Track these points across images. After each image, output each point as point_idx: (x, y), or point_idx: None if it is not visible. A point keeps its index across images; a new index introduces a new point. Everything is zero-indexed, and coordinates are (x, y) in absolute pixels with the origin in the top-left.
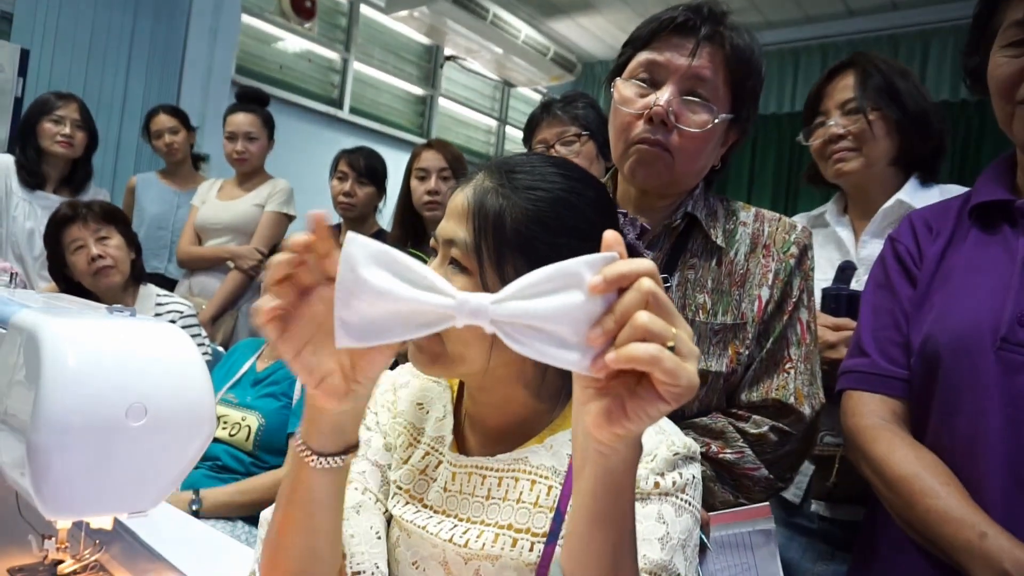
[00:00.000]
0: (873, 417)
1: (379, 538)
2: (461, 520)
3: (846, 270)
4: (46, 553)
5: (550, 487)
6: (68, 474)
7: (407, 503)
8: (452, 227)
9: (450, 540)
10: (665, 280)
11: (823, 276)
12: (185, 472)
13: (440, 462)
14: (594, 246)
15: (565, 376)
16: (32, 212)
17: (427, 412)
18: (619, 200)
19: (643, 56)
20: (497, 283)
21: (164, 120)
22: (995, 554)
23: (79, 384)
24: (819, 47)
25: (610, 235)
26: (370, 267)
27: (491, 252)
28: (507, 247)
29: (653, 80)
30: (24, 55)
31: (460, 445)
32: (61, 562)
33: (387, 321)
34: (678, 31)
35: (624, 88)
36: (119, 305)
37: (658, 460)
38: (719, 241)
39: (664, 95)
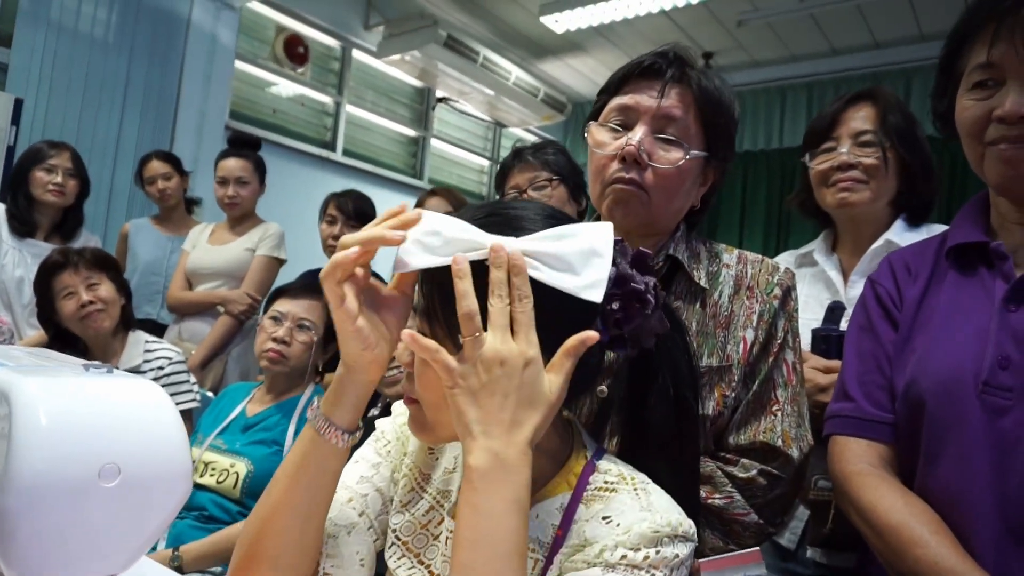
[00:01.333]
0: (860, 463)
1: (362, 566)
2: None
3: (835, 310)
4: None
5: (536, 561)
6: (38, 537)
7: (403, 556)
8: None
9: None
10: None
11: (812, 316)
12: (159, 532)
13: (443, 520)
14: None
15: (562, 437)
16: (22, 260)
17: (437, 459)
18: None
19: (615, 101)
20: (450, 343)
21: (157, 166)
22: None
23: (50, 445)
24: (804, 85)
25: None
26: (435, 217)
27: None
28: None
29: (625, 123)
30: (17, 104)
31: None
32: None
33: (439, 250)
34: (646, 75)
35: (598, 132)
36: (97, 362)
37: (632, 534)
38: (702, 283)
39: (636, 135)
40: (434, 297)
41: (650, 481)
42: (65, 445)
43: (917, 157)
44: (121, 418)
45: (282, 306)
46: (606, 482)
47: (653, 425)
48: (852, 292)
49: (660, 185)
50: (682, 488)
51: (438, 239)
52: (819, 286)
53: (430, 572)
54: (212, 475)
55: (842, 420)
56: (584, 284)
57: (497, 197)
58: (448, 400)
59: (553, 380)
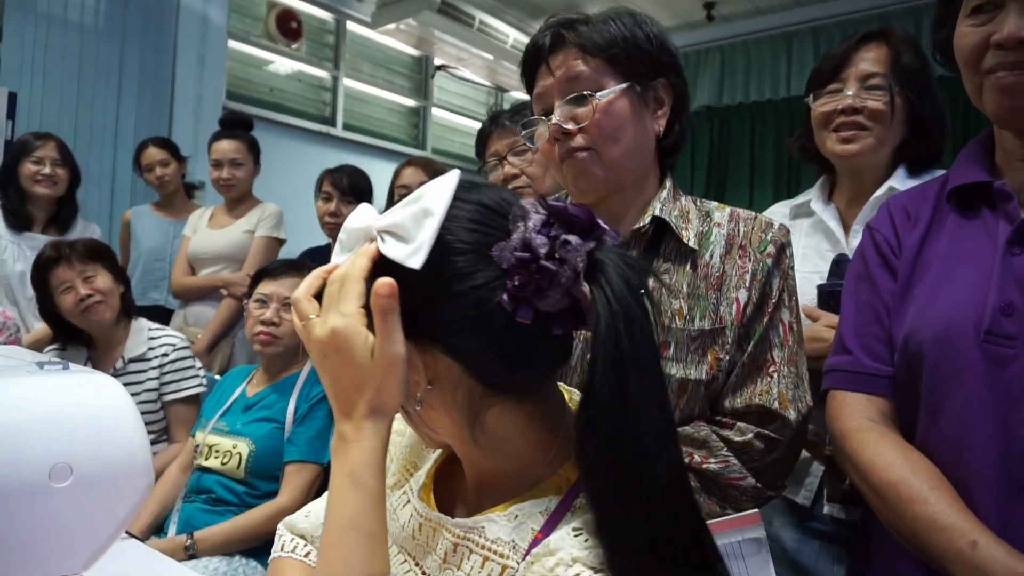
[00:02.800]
0: (859, 419)
1: None
2: (425, 574)
3: (840, 263)
4: None
5: (504, 567)
6: None
7: None
8: None
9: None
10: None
11: (813, 268)
12: (122, 528)
13: (408, 502)
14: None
15: (550, 432)
16: (21, 254)
17: (429, 452)
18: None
19: (534, 97)
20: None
21: (154, 153)
22: (987, 565)
23: None
24: (810, 30)
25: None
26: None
27: None
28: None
29: (546, 110)
30: (12, 98)
31: (443, 489)
32: None
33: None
34: (536, 61)
35: (537, 129)
36: (54, 358)
37: (595, 553)
38: (691, 244)
39: (555, 115)
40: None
41: None
42: (12, 447)
43: (928, 104)
44: (74, 417)
45: (266, 288)
46: None
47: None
48: (855, 242)
49: (596, 136)
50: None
51: (346, 234)
52: (818, 236)
53: (404, 552)
54: (216, 457)
55: (840, 374)
56: (410, 251)
57: (479, 166)
58: None
59: (373, 341)
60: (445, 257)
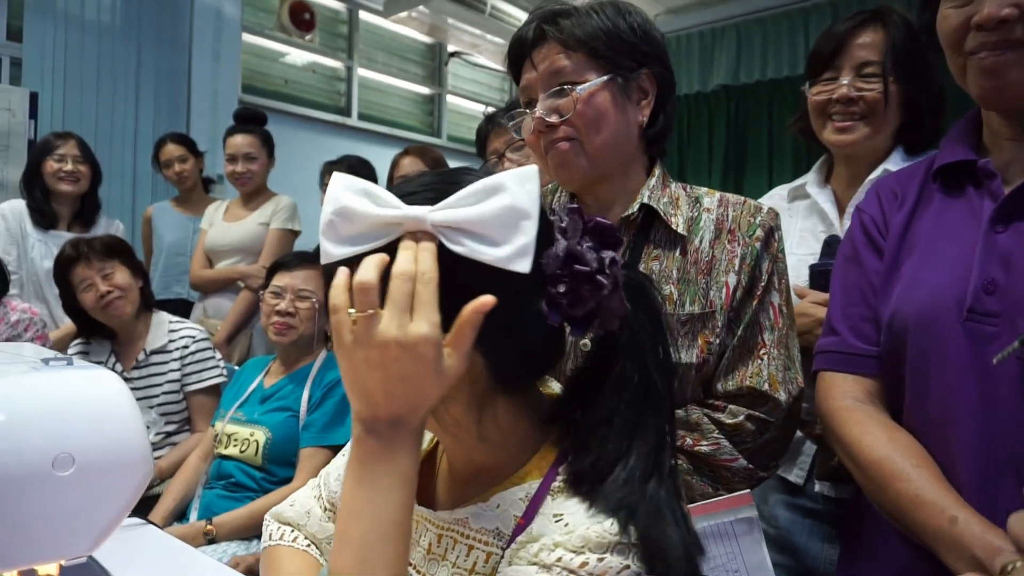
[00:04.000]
0: (846, 398)
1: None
2: (410, 566)
3: (832, 244)
4: None
5: (488, 554)
6: (2, 527)
7: None
8: None
9: None
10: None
11: (808, 251)
12: (124, 514)
13: None
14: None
15: (532, 424)
16: (48, 252)
17: None
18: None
19: (519, 88)
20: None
21: (172, 149)
22: (966, 540)
23: (3, 439)
24: (829, 3)
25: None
26: (347, 193)
27: None
28: None
29: (530, 102)
30: (34, 98)
31: (427, 483)
32: None
33: (356, 238)
34: (520, 54)
35: (524, 123)
36: (59, 355)
37: (574, 536)
38: (680, 230)
39: (539, 108)
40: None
41: None
42: (17, 438)
43: (924, 91)
44: (75, 409)
45: (281, 280)
46: None
47: (600, 410)
48: (848, 225)
49: (578, 127)
50: (634, 479)
51: (349, 223)
52: (813, 219)
53: None
54: (235, 445)
55: (828, 355)
56: (508, 254)
57: (481, 163)
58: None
59: (451, 355)
60: None
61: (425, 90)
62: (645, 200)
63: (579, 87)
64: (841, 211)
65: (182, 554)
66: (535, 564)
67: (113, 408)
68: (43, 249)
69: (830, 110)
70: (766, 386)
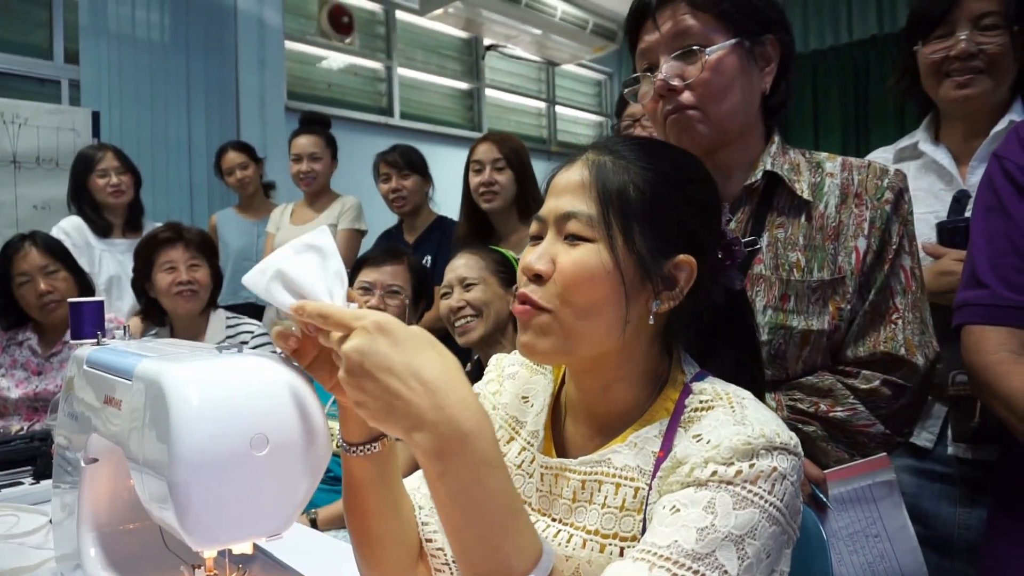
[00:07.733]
0: (1001, 351)
1: None
2: (554, 521)
3: (960, 200)
4: None
5: (636, 489)
6: (207, 506)
7: None
8: (568, 202)
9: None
10: (753, 242)
11: (928, 209)
12: (311, 491)
13: (534, 458)
14: (705, 215)
15: (655, 365)
16: (114, 259)
17: (531, 405)
18: None
19: (637, 53)
20: (626, 251)
21: (233, 157)
22: None
23: (205, 422)
24: None
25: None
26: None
27: (619, 222)
28: (633, 217)
29: (651, 66)
30: (95, 117)
31: (556, 438)
32: None
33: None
34: (642, 17)
35: (640, 86)
36: (227, 343)
37: (722, 448)
38: (805, 195)
39: (661, 71)
40: (615, 207)
41: (750, 396)
42: (217, 421)
43: None
44: (260, 391)
45: (368, 276)
46: (701, 402)
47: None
48: (973, 179)
49: (703, 94)
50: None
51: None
52: (930, 178)
53: (530, 507)
54: (332, 439)
55: (976, 308)
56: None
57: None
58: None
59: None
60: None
61: (464, 85)
62: (768, 167)
63: (708, 50)
64: (959, 167)
65: (306, 538)
66: (690, 485)
67: (293, 389)
68: (109, 258)
69: (946, 68)
70: (903, 351)
